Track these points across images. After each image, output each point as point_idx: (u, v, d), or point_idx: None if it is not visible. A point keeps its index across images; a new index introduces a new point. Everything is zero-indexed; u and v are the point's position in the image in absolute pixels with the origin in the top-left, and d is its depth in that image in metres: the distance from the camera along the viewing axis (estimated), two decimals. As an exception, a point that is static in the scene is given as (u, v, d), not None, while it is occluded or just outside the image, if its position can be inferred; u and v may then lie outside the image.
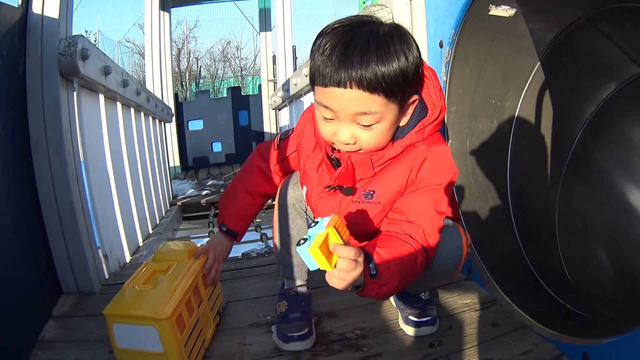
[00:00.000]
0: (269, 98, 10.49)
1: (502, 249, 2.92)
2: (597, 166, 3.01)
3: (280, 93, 8.05)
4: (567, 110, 3.00)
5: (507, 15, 2.60)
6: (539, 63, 2.88)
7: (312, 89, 1.84)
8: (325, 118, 1.78)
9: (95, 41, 24.22)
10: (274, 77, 11.16)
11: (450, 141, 2.95)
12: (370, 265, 1.68)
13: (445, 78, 2.87)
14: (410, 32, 3.23)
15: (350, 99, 1.68)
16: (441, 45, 2.89)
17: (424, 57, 3.09)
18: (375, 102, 1.69)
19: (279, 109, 9.42)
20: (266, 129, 11.42)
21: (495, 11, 2.62)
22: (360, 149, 1.85)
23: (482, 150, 2.99)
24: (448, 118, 2.93)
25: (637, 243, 2.88)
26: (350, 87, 1.65)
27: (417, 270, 1.83)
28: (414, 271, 1.83)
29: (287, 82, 7.11)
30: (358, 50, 1.63)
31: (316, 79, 1.74)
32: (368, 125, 1.75)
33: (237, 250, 4.70)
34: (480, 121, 2.97)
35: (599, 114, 2.92)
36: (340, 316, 2.55)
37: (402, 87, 1.73)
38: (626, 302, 2.69)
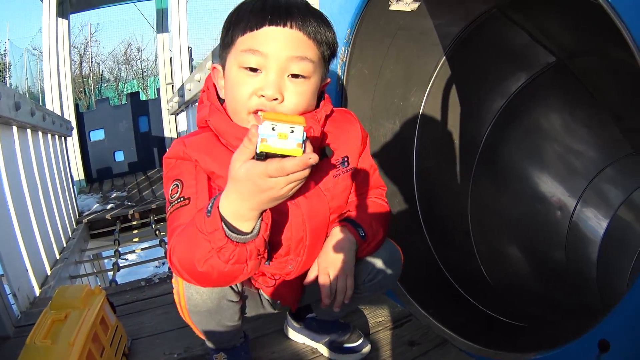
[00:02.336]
0: (167, 102, 10.22)
1: (414, 256, 2.75)
2: (509, 158, 3.01)
3: (176, 98, 7.83)
4: (475, 104, 2.96)
5: (410, 10, 2.46)
6: (444, 57, 2.78)
7: (225, 50, 1.62)
8: (249, 69, 1.53)
9: (5, 50, 23.73)
10: (171, 80, 10.92)
11: (349, 149, 2.81)
12: (358, 229, 1.80)
13: (341, 81, 2.70)
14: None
15: (290, 39, 1.52)
16: (336, 46, 2.72)
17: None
18: (312, 50, 1.56)
19: (177, 114, 9.09)
20: (166, 134, 10.93)
21: (396, 6, 2.47)
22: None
23: (385, 153, 2.84)
24: (346, 124, 2.79)
25: (553, 232, 2.97)
26: (292, 27, 1.51)
27: (389, 218, 1.97)
28: (388, 221, 1.96)
29: (182, 87, 6.94)
30: (296, 3, 1.54)
31: (241, 27, 1.55)
32: (297, 77, 1.55)
33: (138, 273, 4.52)
34: (381, 124, 2.83)
35: (509, 105, 2.92)
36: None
37: (331, 54, 1.65)
38: (543, 295, 2.75)
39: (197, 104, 1.80)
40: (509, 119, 2.97)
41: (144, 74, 25.03)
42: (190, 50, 9.97)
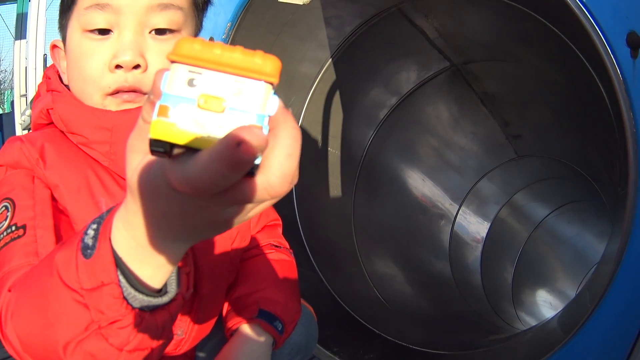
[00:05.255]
0: (20, 116, 9.39)
1: (305, 289, 2.44)
2: (391, 167, 2.91)
3: (28, 111, 6.94)
4: (359, 111, 2.74)
5: (302, 3, 2.10)
6: (330, 59, 2.50)
7: (66, 16, 1.11)
8: (96, 31, 1.05)
9: None
10: (25, 91, 10.14)
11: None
12: (275, 323, 1.25)
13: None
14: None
15: None
16: (210, 43, 2.31)
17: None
18: None
19: (30, 130, 8.44)
20: (21, 152, 10.46)
21: (287, -2, 2.18)
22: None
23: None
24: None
25: (437, 242, 2.97)
26: None
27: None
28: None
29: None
30: None
31: None
32: (163, 33, 1.08)
33: None
34: (256, 138, 2.47)
35: (395, 111, 2.76)
36: None
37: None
38: (440, 310, 2.71)
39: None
40: (393, 126, 2.80)
41: (1, 87, 23.56)
42: (46, 58, 9.26)
